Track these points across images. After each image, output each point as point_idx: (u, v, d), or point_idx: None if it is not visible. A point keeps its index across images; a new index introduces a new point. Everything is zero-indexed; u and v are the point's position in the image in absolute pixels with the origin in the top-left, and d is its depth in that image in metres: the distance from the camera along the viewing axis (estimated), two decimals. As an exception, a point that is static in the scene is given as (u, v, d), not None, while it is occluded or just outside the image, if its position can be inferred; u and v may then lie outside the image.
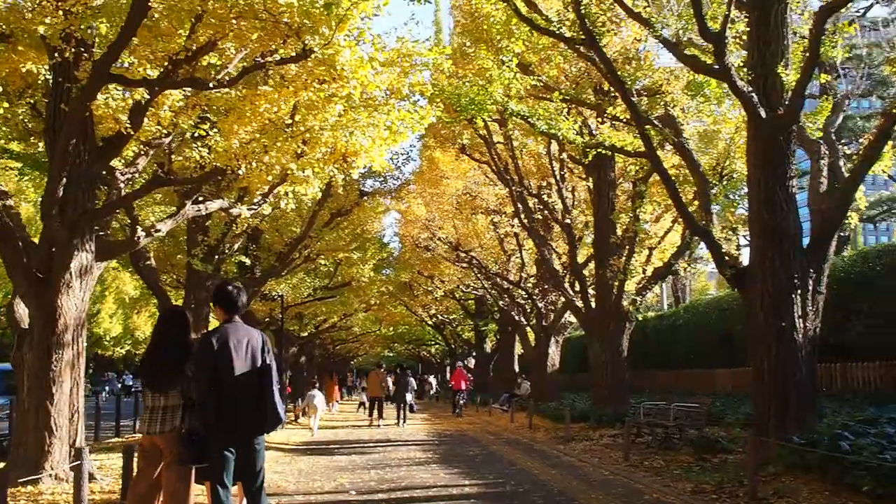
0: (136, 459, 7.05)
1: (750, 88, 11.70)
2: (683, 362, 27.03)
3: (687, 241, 20.54)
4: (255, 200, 13.87)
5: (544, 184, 25.39)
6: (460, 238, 30.50)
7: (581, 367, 35.76)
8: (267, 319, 28.48)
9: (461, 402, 32.86)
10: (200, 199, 13.68)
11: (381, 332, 57.66)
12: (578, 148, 20.85)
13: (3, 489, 6.65)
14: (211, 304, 7.32)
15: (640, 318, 24.97)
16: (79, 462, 7.45)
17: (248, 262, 23.14)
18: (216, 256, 20.65)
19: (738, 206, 18.59)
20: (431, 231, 30.78)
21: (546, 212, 23.94)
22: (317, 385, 28.90)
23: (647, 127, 12.36)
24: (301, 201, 22.96)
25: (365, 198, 23.47)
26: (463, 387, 33.53)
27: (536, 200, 23.80)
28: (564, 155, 22.10)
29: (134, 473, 7.32)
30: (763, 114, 11.60)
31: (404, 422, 26.31)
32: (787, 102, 11.74)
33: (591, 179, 21.59)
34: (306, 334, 34.79)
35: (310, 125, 11.22)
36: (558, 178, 22.23)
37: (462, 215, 30.03)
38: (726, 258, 12.32)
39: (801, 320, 11.60)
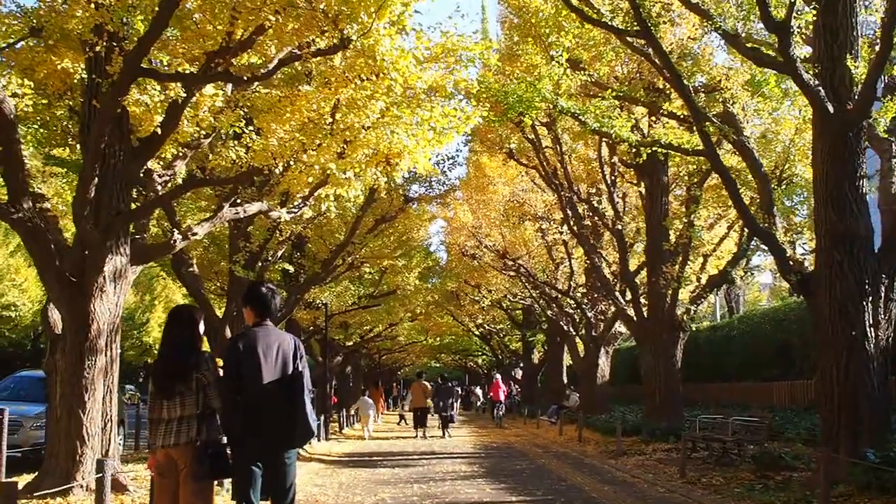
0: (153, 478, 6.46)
1: (816, 82, 11.00)
2: (738, 374, 26.16)
3: (744, 248, 19.73)
4: (296, 203, 13.45)
5: (594, 190, 24.71)
6: (507, 246, 29.90)
7: (631, 379, 34.98)
8: (311, 328, 28.13)
9: (500, 412, 34.20)
10: (239, 201, 13.27)
11: (428, 343, 57.11)
12: (630, 151, 20.23)
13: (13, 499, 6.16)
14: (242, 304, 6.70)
15: (693, 329, 24.10)
16: (101, 475, 6.98)
17: (291, 269, 22.80)
18: (259, 263, 20.31)
19: (796, 213, 17.82)
20: (478, 239, 30.22)
21: (596, 218, 23.23)
22: (367, 393, 29.29)
23: (707, 124, 11.68)
24: (345, 208, 22.68)
25: (410, 203, 22.98)
26: (501, 397, 35.00)
27: (586, 206, 23.10)
28: (615, 158, 21.39)
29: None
30: (831, 109, 10.89)
31: (447, 432, 25.89)
32: (856, 97, 11.02)
33: (642, 184, 20.88)
34: (351, 343, 34.36)
35: (350, 123, 10.76)
36: (609, 182, 21.50)
37: (509, 222, 29.45)
38: (790, 263, 11.60)
39: (872, 329, 10.86)
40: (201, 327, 6.26)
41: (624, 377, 36.34)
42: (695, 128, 12.08)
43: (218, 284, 23.26)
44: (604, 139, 20.45)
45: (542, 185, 25.31)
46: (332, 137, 11.18)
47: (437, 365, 76.39)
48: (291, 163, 10.81)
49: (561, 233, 26.95)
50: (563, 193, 22.34)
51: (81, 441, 10.37)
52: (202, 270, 22.00)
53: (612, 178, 21.86)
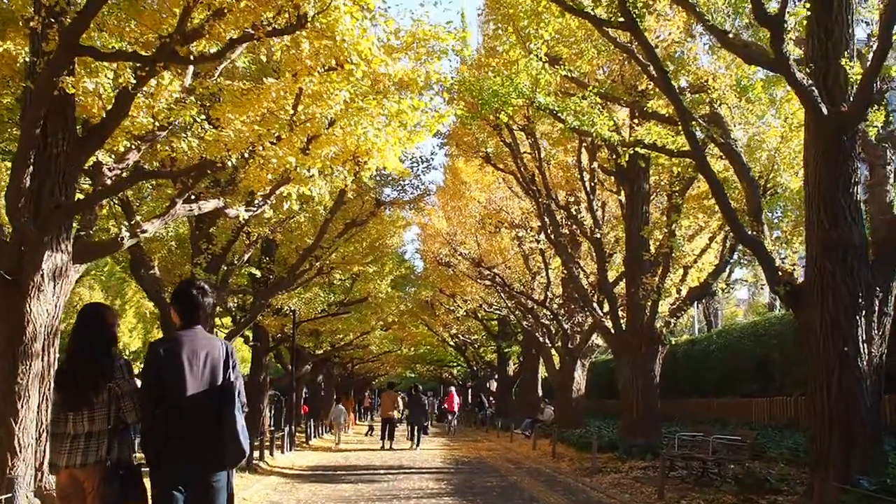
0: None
1: (810, 82, 10.36)
2: (716, 390, 25.59)
3: (726, 260, 19.06)
4: (257, 202, 12.65)
5: (572, 199, 23.98)
6: (483, 254, 29.19)
7: (606, 393, 34.41)
8: (279, 335, 27.27)
9: (454, 422, 39.15)
10: (193, 197, 12.45)
11: (403, 353, 56.28)
12: (610, 157, 19.52)
13: None
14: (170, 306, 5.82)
15: (672, 343, 23.44)
16: (10, 495, 6.13)
17: (258, 274, 21.99)
18: (224, 267, 19.51)
19: (780, 226, 17.21)
20: (453, 246, 29.43)
21: (574, 226, 22.49)
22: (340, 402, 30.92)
23: (693, 123, 11.00)
24: (315, 211, 21.90)
25: (382, 207, 22.16)
26: (455, 409, 39.81)
27: (564, 213, 22.38)
28: (595, 164, 20.66)
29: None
30: (825, 110, 10.25)
31: (418, 445, 25.25)
32: (852, 98, 10.39)
33: (622, 192, 20.17)
34: (321, 352, 33.44)
35: (312, 114, 10.02)
36: (588, 189, 20.74)
37: (485, 230, 28.73)
38: (780, 273, 10.93)
39: (865, 345, 10.21)
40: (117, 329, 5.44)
41: (598, 390, 35.75)
42: (681, 127, 11.40)
43: (183, 289, 22.32)
44: (583, 145, 19.78)
45: (520, 192, 24.70)
46: (294, 132, 10.46)
47: (413, 375, 75.64)
48: (247, 155, 10.00)
49: (538, 241, 26.22)
50: (540, 200, 21.61)
51: (13, 453, 9.45)
52: (165, 274, 21.15)
53: (592, 184, 21.11)
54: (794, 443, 15.92)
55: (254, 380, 28.26)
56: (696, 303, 22.58)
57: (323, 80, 9.95)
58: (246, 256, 20.31)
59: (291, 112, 10.32)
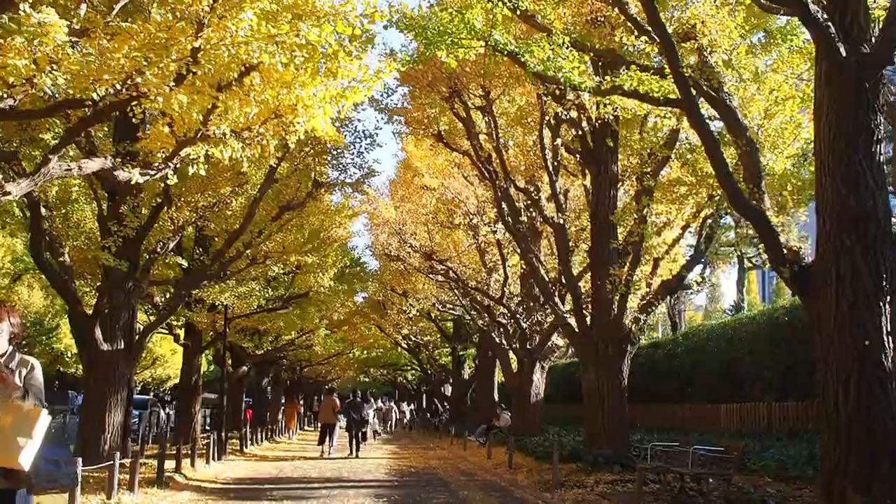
0: None
1: (825, 16, 8.52)
2: (680, 395, 23.90)
3: (701, 250, 17.24)
4: (156, 164, 10.52)
5: (532, 188, 21.93)
6: (435, 247, 27.21)
7: (566, 398, 32.67)
8: (211, 333, 25.06)
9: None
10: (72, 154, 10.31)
11: (354, 356, 54.26)
12: (576, 137, 17.69)
13: None
14: None
15: (641, 342, 21.63)
16: None
17: (185, 264, 19.86)
18: (146, 255, 17.39)
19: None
20: (402, 237, 27.35)
21: (534, 213, 20.44)
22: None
23: (683, 67, 9.12)
24: (251, 197, 19.79)
25: (322, 189, 19.97)
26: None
27: (524, 197, 20.38)
28: (559, 141, 18.59)
29: None
30: (843, 52, 8.42)
31: (356, 452, 24.18)
32: (874, 39, 8.58)
33: (588, 175, 18.21)
34: (261, 352, 31.08)
35: (208, 38, 8.00)
36: (551, 169, 18.64)
37: (437, 220, 26.74)
38: (785, 250, 9.06)
39: (890, 337, 8.40)
40: None
41: (556, 395, 33.99)
42: (668, 70, 9.53)
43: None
44: (546, 119, 17.78)
45: (475, 180, 22.88)
46: (196, 76, 8.46)
47: (367, 379, 73.93)
48: (121, 87, 7.91)
49: (494, 232, 24.17)
50: (498, 183, 19.60)
51: None
52: (85, 265, 19.02)
53: (555, 164, 19.01)
54: (781, 454, 14.15)
55: (186, 382, 26.13)
56: (670, 297, 20.77)
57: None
58: (171, 244, 18.18)
59: (189, 47, 8.30)
